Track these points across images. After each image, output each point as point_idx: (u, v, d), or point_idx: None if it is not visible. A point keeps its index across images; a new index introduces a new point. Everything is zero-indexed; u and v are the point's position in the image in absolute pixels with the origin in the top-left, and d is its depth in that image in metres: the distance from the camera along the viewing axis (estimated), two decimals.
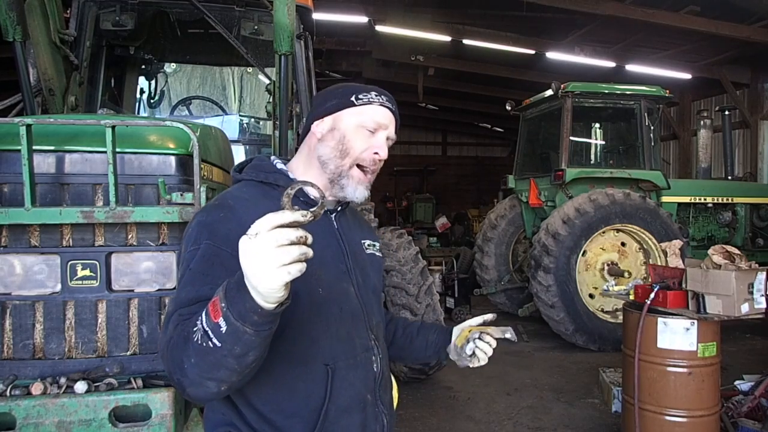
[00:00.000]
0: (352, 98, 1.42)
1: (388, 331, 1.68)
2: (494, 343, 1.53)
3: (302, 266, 0.95)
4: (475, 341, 1.52)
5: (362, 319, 1.41)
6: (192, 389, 1.10)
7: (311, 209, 0.99)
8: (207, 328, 1.02)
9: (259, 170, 1.43)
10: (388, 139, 1.45)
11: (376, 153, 1.41)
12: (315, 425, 1.28)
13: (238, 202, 1.33)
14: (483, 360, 1.53)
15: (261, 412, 1.27)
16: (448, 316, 7.53)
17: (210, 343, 1.02)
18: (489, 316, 1.61)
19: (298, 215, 0.95)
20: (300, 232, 0.95)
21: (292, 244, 0.94)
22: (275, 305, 0.99)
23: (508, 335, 1.52)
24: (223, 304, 1.00)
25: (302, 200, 1.39)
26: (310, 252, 0.96)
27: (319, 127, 1.44)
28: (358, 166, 1.40)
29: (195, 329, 1.06)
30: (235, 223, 1.26)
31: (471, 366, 1.55)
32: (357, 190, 1.40)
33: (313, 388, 1.30)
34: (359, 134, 1.40)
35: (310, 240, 0.96)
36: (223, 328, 1.00)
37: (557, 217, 6.71)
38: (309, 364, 1.30)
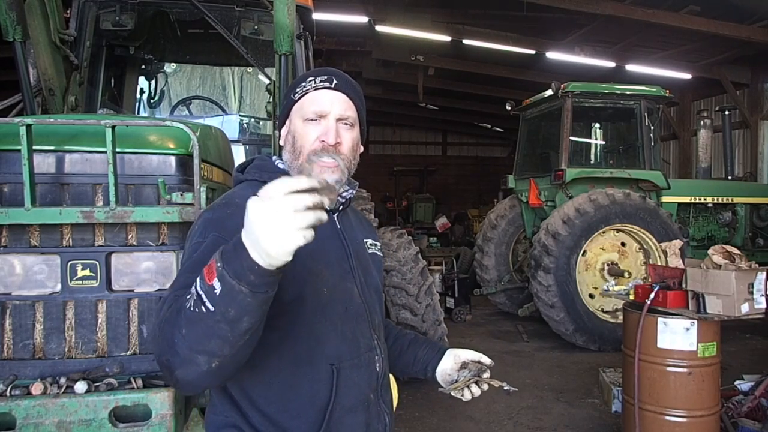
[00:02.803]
0: (292, 95, 1.41)
1: None
2: (486, 388, 1.51)
3: (313, 233, 0.93)
4: (472, 386, 1.49)
5: (366, 318, 1.41)
6: (181, 370, 1.05)
7: (329, 179, 0.95)
8: (201, 292, 1.00)
9: (262, 170, 1.43)
10: (340, 119, 1.37)
11: (322, 141, 1.35)
12: (320, 425, 1.28)
13: (244, 200, 1.31)
14: (467, 398, 1.51)
15: (266, 413, 1.27)
16: (448, 316, 7.53)
17: (203, 307, 0.99)
18: (487, 360, 1.54)
19: (315, 182, 0.94)
20: (317, 198, 0.93)
21: (308, 209, 0.92)
22: (273, 268, 0.96)
23: (506, 387, 1.50)
24: (219, 264, 0.98)
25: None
26: (325, 216, 0.94)
27: (282, 134, 1.45)
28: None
29: (188, 296, 1.03)
30: (243, 219, 1.26)
31: (453, 395, 1.51)
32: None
33: (319, 387, 1.29)
34: (307, 129, 1.36)
35: (326, 203, 0.95)
36: (218, 290, 0.97)
37: (557, 217, 6.71)
38: (315, 364, 1.30)
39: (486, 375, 1.51)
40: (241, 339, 1.03)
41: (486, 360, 1.54)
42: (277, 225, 0.91)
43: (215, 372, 1.06)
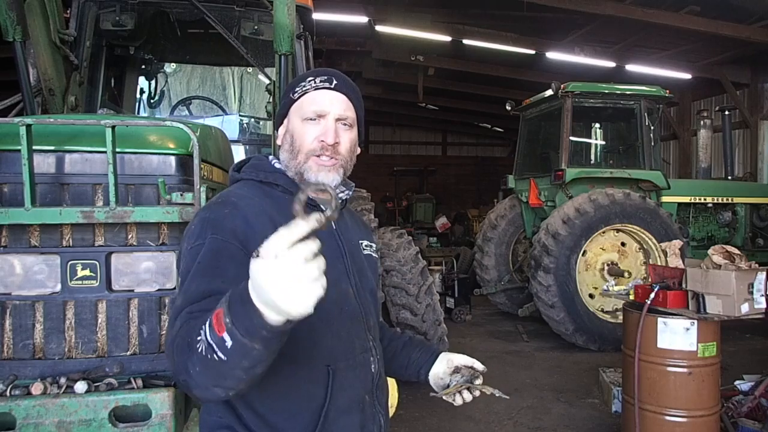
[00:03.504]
0: (290, 94, 1.41)
1: None
2: (477, 395, 1.50)
3: (325, 279, 0.92)
4: (464, 392, 1.48)
5: (361, 320, 1.41)
6: (198, 391, 1.07)
7: (324, 213, 0.93)
8: (211, 341, 0.97)
9: (258, 170, 1.42)
10: (339, 120, 1.37)
11: (321, 140, 1.35)
12: (315, 426, 1.28)
13: (241, 199, 1.32)
14: (459, 403, 1.50)
15: (261, 414, 1.26)
16: (448, 316, 7.53)
17: (215, 356, 0.98)
18: (480, 366, 1.53)
19: (314, 222, 0.90)
20: (317, 243, 0.90)
21: (316, 256, 0.89)
22: (285, 321, 0.94)
23: (497, 394, 1.48)
24: (227, 320, 0.95)
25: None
26: (324, 265, 0.93)
27: (279, 133, 1.45)
28: (315, 156, 1.37)
29: (198, 339, 1.00)
30: (240, 219, 1.25)
31: (445, 399, 1.50)
32: (318, 177, 1.35)
33: (314, 389, 1.29)
34: (305, 128, 1.36)
35: (331, 219, 0.95)
36: (229, 344, 0.95)
37: (557, 217, 6.71)
38: (310, 366, 1.29)
39: (478, 381, 1.50)
40: (257, 376, 1.04)
41: (479, 366, 1.53)
42: (292, 284, 0.88)
43: (234, 395, 1.09)
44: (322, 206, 1.42)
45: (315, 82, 1.38)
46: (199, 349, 1.00)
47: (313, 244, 0.90)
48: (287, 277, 0.87)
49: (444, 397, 1.50)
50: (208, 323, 1.00)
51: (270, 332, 0.94)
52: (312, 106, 1.37)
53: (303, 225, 0.90)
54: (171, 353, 1.09)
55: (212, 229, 1.23)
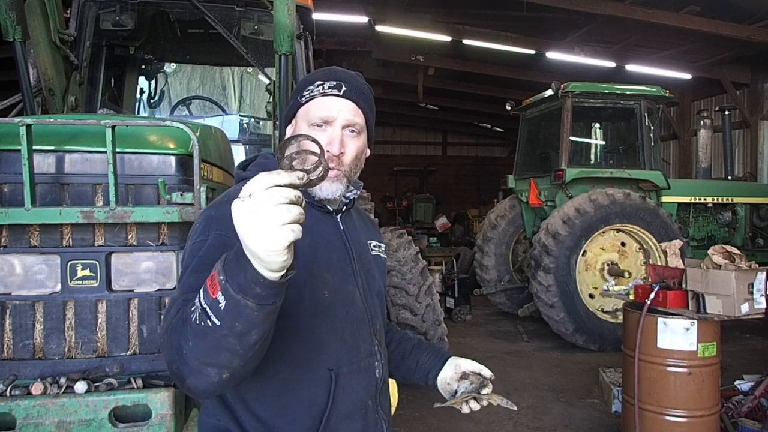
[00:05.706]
0: (299, 97, 1.37)
1: None
2: (485, 404, 1.49)
3: (301, 228, 0.88)
4: (470, 401, 1.47)
5: (367, 323, 1.38)
6: (192, 379, 1.03)
7: (308, 171, 0.92)
8: (205, 305, 0.95)
9: (264, 168, 1.38)
10: (346, 126, 1.33)
11: (327, 150, 1.29)
12: (316, 431, 1.25)
13: None
14: (466, 411, 1.48)
15: (260, 417, 1.24)
16: (448, 316, 7.53)
17: (209, 321, 0.95)
18: (488, 373, 1.51)
19: (295, 177, 0.89)
20: (297, 192, 0.89)
21: (291, 203, 0.88)
22: (280, 274, 0.92)
23: (505, 405, 1.48)
24: (221, 277, 0.93)
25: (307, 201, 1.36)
26: (303, 217, 0.90)
27: (287, 133, 1.42)
28: None
29: (193, 309, 0.99)
30: None
31: (452, 404, 1.48)
32: (321, 188, 1.31)
33: (316, 393, 1.26)
34: (311, 134, 1.30)
35: (303, 203, 0.91)
36: (222, 304, 0.93)
37: (557, 217, 6.71)
38: (312, 369, 1.27)
39: (486, 390, 1.49)
40: (251, 350, 1.00)
41: (486, 373, 1.51)
42: (260, 223, 0.87)
43: (227, 382, 1.04)
44: (328, 207, 1.41)
45: (323, 88, 1.33)
46: (193, 318, 0.98)
47: (290, 191, 0.88)
48: (256, 216, 0.87)
49: (454, 406, 1.49)
50: (202, 289, 0.98)
51: (264, 288, 0.92)
52: (318, 112, 1.32)
53: (285, 175, 0.89)
54: (167, 339, 1.06)
55: (217, 225, 1.22)
